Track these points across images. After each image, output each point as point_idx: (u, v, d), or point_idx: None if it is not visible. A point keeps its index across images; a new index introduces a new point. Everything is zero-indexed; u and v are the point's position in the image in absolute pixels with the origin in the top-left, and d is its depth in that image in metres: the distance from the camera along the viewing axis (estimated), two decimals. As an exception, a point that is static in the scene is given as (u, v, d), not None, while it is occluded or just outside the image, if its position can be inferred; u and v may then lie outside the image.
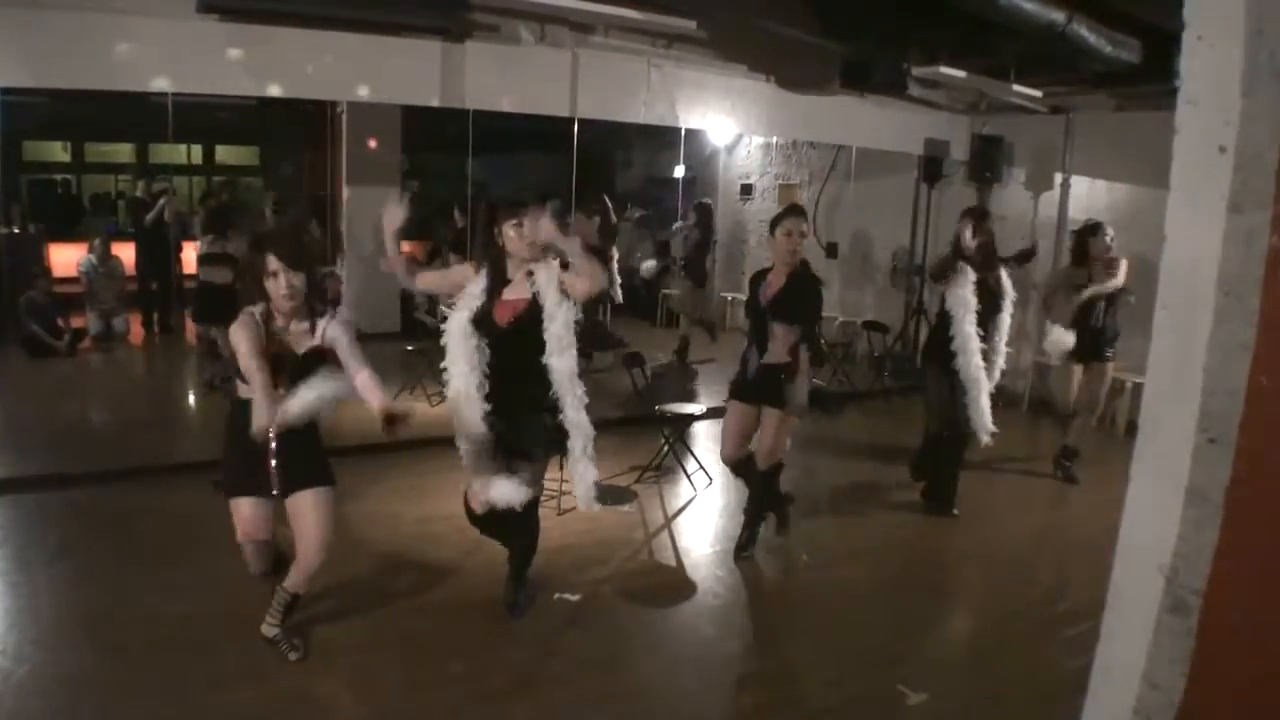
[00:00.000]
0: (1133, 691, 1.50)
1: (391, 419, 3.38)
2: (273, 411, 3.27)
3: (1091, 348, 6.40)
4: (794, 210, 4.92)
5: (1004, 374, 6.01)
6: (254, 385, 3.31)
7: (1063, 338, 6.28)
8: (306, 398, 3.28)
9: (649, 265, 11.05)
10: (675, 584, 4.84)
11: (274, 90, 6.64)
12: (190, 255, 8.88)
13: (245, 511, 3.62)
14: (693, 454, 6.61)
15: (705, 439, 7.25)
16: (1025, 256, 6.34)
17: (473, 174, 9.52)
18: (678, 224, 10.89)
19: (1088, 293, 6.32)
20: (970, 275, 5.60)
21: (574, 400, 4.04)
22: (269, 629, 3.79)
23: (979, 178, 9.74)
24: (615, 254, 8.77)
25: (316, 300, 3.58)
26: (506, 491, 3.93)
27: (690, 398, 8.28)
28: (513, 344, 3.98)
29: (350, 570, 4.65)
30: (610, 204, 9.16)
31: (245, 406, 3.44)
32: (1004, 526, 6.06)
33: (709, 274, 11.33)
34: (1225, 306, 1.35)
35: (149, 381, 9.53)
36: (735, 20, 7.28)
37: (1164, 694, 1.46)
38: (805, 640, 4.34)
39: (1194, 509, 1.40)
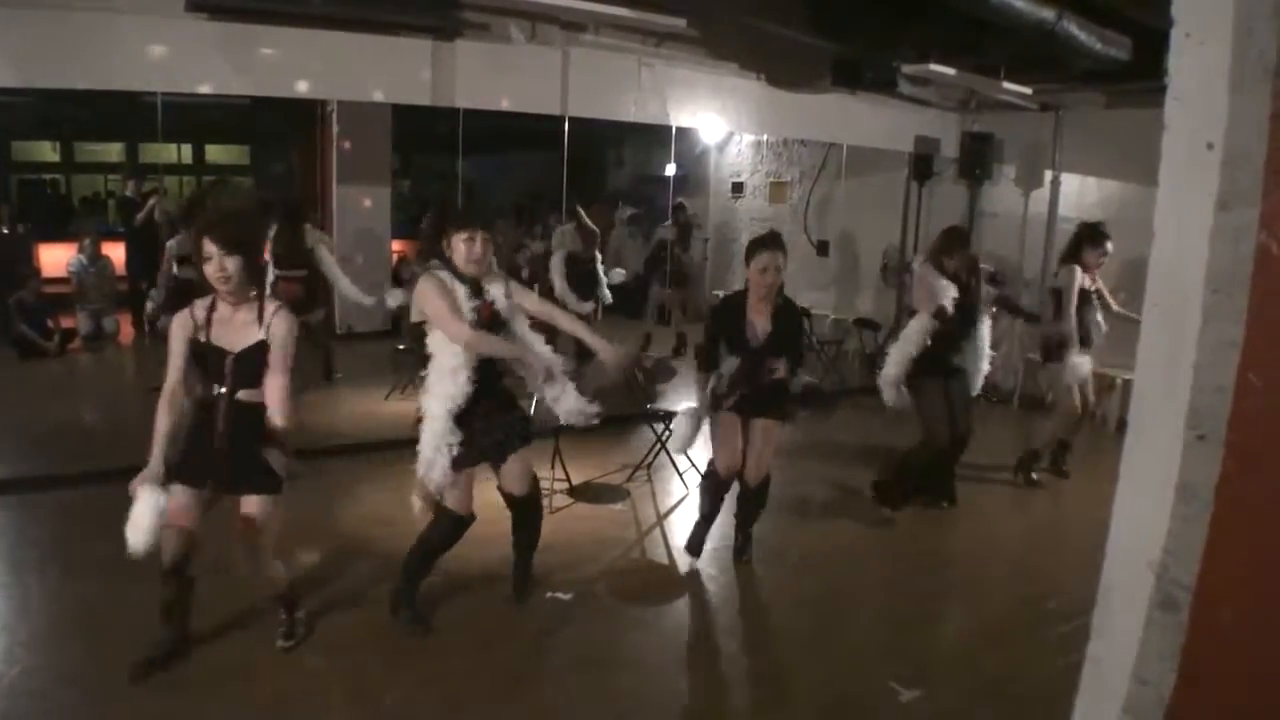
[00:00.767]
0: (1123, 688, 1.51)
1: (276, 440, 3.48)
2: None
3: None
4: (771, 243, 4.70)
5: (992, 372, 6.07)
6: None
7: (1083, 364, 6.28)
8: None
9: (617, 273, 11.00)
10: (667, 582, 4.84)
11: (263, 90, 6.63)
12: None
13: (180, 499, 3.49)
14: (685, 452, 6.59)
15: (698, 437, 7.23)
16: (995, 280, 6.37)
17: (464, 173, 9.50)
18: (663, 226, 10.88)
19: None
20: (948, 290, 5.63)
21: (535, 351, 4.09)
22: (283, 642, 3.85)
23: (969, 175, 9.77)
24: (599, 257, 8.73)
25: (258, 286, 3.52)
26: (576, 406, 4.04)
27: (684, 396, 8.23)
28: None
29: (344, 570, 4.66)
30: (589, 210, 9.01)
31: (201, 404, 3.48)
32: (995, 525, 6.07)
33: (688, 276, 11.39)
34: (1214, 304, 1.35)
35: (139, 381, 9.47)
36: (725, 18, 7.28)
37: (1154, 690, 1.47)
38: (797, 638, 4.35)
39: (1183, 505, 1.41)
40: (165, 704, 3.44)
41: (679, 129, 9.32)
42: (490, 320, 3.97)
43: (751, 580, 4.99)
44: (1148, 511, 1.46)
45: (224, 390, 3.46)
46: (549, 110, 7.50)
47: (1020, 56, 7.54)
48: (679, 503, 6.04)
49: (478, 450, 3.97)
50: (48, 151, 14.91)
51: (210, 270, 3.38)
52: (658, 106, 7.96)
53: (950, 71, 7.85)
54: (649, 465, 6.48)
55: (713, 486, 4.92)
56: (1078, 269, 6.18)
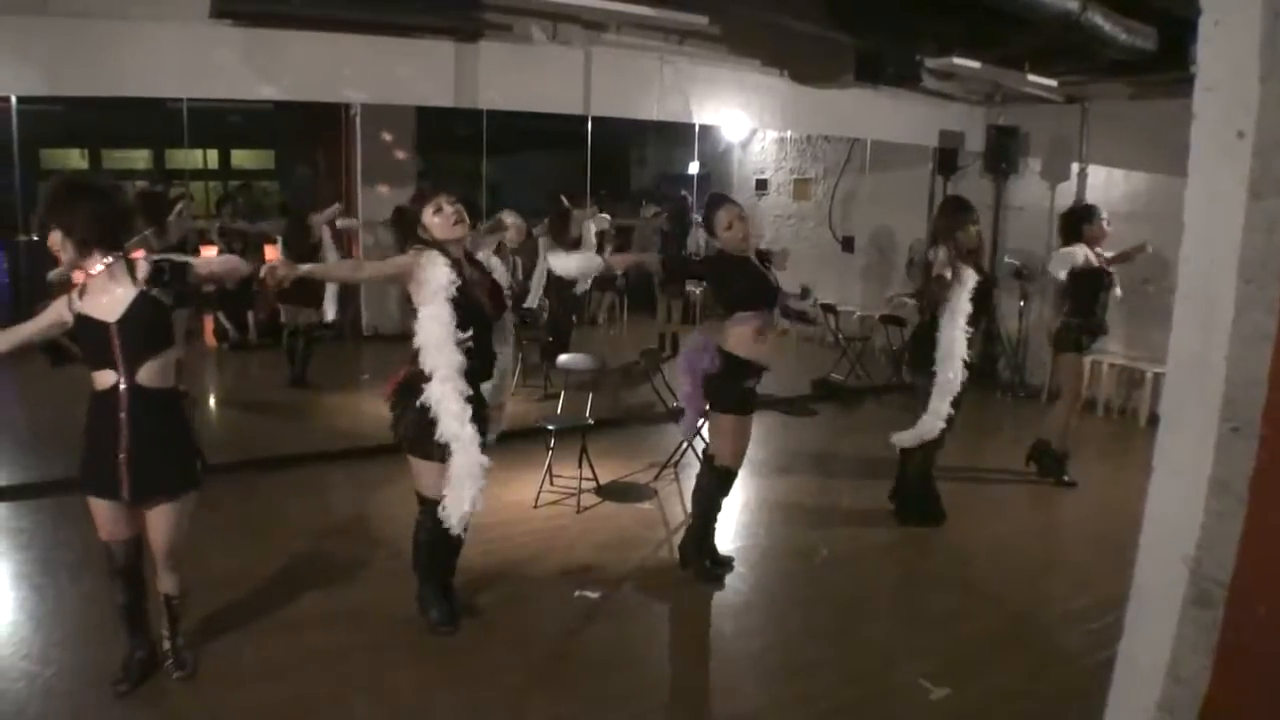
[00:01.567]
0: (1157, 685, 1.49)
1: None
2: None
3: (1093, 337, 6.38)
4: (721, 200, 4.61)
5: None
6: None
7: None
8: None
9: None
10: (694, 581, 4.83)
11: (287, 94, 6.67)
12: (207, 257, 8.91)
13: (105, 513, 3.37)
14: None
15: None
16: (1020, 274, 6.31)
17: (487, 174, 9.53)
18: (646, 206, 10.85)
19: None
20: (970, 279, 5.29)
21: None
22: (163, 641, 3.64)
23: (994, 169, 9.68)
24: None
25: (104, 249, 3.26)
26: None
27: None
28: (488, 324, 4.01)
29: (365, 569, 4.68)
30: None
31: (101, 399, 3.33)
32: (1023, 521, 6.02)
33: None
34: (1246, 295, 1.34)
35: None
36: (747, 15, 7.26)
37: (1189, 687, 1.45)
38: (825, 636, 4.33)
39: (1217, 500, 1.39)
40: (190, 703, 3.48)
41: (702, 127, 9.31)
42: (493, 292, 3.98)
43: (779, 578, 4.97)
44: (1181, 506, 1.44)
45: (120, 376, 3.27)
46: (572, 110, 7.52)
47: (1045, 49, 7.47)
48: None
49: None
50: (76, 159, 15.07)
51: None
52: (680, 104, 7.95)
53: (974, 64, 7.78)
54: (676, 464, 6.47)
55: (720, 481, 4.80)
56: (1079, 247, 6.11)
